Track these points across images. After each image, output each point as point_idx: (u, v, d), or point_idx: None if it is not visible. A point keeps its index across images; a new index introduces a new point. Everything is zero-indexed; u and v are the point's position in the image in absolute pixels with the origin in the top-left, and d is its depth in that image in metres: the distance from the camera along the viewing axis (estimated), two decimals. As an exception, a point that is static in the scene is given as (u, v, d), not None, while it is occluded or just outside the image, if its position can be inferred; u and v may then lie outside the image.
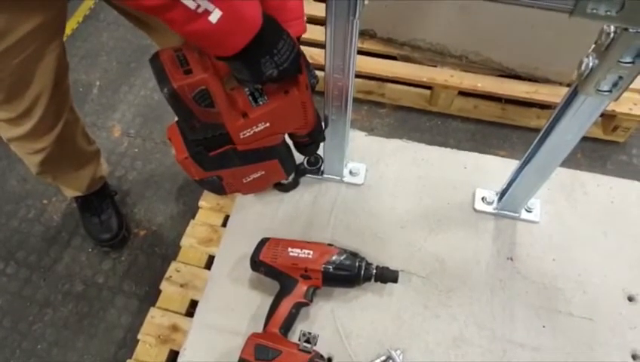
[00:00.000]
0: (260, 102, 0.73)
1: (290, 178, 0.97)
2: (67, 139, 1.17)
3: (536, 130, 0.80)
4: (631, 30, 0.55)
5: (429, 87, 1.71)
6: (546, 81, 1.61)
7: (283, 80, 0.70)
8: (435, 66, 1.68)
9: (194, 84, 0.65)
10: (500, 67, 1.63)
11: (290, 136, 0.86)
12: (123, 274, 1.40)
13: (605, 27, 0.58)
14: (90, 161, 1.32)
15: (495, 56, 1.61)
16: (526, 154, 0.83)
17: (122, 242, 1.44)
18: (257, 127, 0.75)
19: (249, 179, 0.87)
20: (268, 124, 0.75)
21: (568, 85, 1.32)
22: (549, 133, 0.75)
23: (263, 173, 0.87)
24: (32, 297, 1.37)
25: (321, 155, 0.99)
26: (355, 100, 1.69)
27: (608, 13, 0.53)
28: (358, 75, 1.70)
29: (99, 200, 1.43)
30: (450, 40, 1.63)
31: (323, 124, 0.87)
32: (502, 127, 1.68)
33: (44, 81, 0.97)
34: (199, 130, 0.72)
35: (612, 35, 0.57)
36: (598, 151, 1.65)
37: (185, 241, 1.27)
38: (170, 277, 1.22)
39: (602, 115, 1.66)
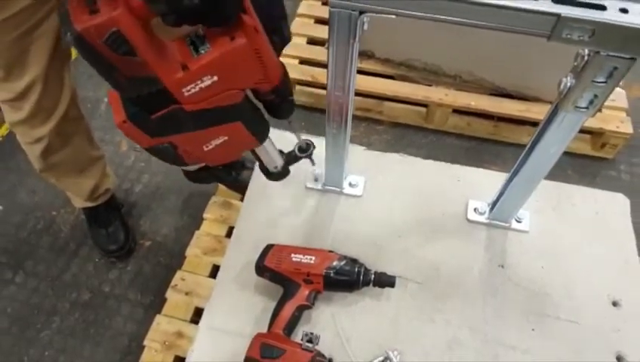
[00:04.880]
0: (202, 52, 0.61)
1: (280, 166, 0.90)
2: (67, 134, 1.22)
3: (521, 146, 0.86)
4: (602, 53, 0.61)
5: (424, 105, 1.78)
6: (537, 99, 1.69)
7: (218, 20, 0.59)
8: (431, 85, 1.76)
9: (102, 25, 0.53)
10: (493, 86, 1.70)
11: (256, 95, 0.75)
12: (129, 284, 1.44)
13: (580, 50, 0.65)
14: (93, 166, 1.36)
15: (488, 76, 1.69)
16: (514, 167, 0.89)
17: (128, 253, 1.49)
18: (202, 81, 0.64)
19: (210, 147, 0.76)
20: (216, 78, 0.64)
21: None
22: (534, 147, 0.80)
23: (226, 138, 0.75)
24: (39, 305, 1.41)
25: (312, 141, 0.94)
26: (354, 117, 1.75)
27: (581, 38, 0.60)
28: (357, 94, 1.76)
29: (106, 212, 1.48)
30: (445, 60, 1.71)
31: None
32: (495, 144, 1.75)
33: (40, 61, 1.02)
34: (127, 86, 0.62)
35: (586, 57, 0.64)
36: (588, 168, 1.71)
37: (190, 251, 1.32)
38: (176, 285, 1.26)
39: (591, 133, 1.73)
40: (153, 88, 0.62)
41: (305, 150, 0.93)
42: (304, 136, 0.94)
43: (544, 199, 1.06)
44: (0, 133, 1.76)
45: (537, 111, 1.66)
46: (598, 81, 0.65)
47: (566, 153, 1.78)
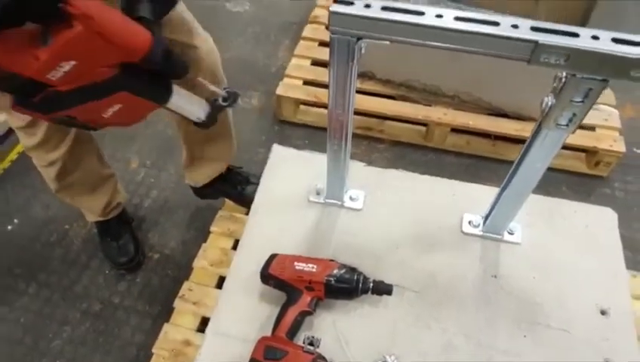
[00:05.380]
0: (49, 42, 0.65)
1: (203, 117, 0.90)
2: (79, 156, 1.28)
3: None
4: (578, 76, 0.68)
5: (424, 124, 1.84)
6: (532, 119, 1.75)
7: (36, 19, 0.64)
8: (430, 105, 1.83)
9: None
10: (490, 106, 1.77)
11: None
12: (137, 295, 1.49)
13: (558, 73, 0.71)
14: (105, 184, 1.43)
15: (485, 97, 1.75)
16: (504, 182, 0.94)
17: (137, 265, 1.55)
18: (62, 66, 0.67)
19: (109, 114, 0.79)
20: (74, 62, 0.68)
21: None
22: (521, 163, 0.86)
23: (121, 105, 0.78)
24: (51, 315, 1.46)
25: (235, 90, 0.92)
26: (356, 136, 1.83)
27: (558, 62, 0.66)
28: (359, 113, 1.84)
29: (117, 225, 1.54)
30: (444, 81, 1.78)
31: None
32: (492, 162, 1.80)
33: None
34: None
35: (563, 79, 0.70)
36: (583, 185, 1.76)
37: (197, 263, 1.38)
38: (183, 295, 1.32)
39: (586, 151, 1.79)
40: (20, 80, 0.66)
41: (227, 99, 0.92)
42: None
43: (536, 213, 1.11)
44: (16, 150, 1.83)
45: (522, 128, 1.72)
46: (576, 100, 0.71)
47: (562, 171, 1.85)
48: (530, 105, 1.71)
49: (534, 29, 0.66)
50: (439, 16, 0.68)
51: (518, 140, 1.77)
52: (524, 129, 1.74)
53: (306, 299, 0.92)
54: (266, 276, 0.95)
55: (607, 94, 1.84)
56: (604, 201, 1.70)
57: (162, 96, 0.83)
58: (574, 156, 1.80)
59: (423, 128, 1.86)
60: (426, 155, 1.86)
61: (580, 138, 1.74)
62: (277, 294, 0.96)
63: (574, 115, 0.74)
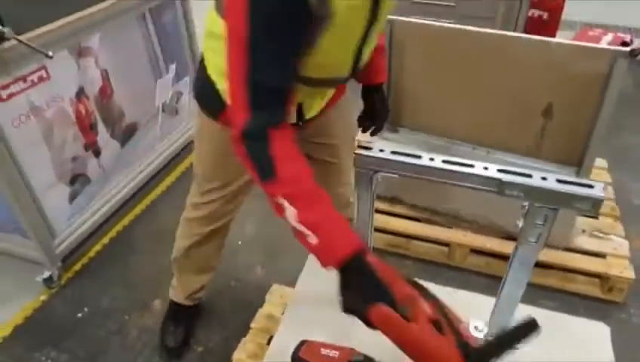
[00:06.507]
0: None
1: None
2: (215, 237, 1.52)
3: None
4: (536, 205, 0.91)
5: (446, 245, 2.05)
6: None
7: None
8: (451, 228, 2.05)
9: None
10: (503, 230, 1.97)
11: None
12: (180, 383, 1.66)
13: (522, 202, 0.95)
14: (208, 273, 1.67)
15: (498, 221, 1.97)
16: (498, 291, 1.13)
17: (177, 355, 1.72)
18: None
19: None
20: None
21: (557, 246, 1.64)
22: (508, 275, 1.06)
23: None
24: (105, 397, 1.63)
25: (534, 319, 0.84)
26: (384, 252, 2.05)
27: (519, 195, 0.90)
28: (388, 232, 2.09)
29: (183, 314, 1.75)
30: (462, 207, 2.02)
31: None
32: (510, 282, 1.95)
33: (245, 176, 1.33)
34: None
35: (527, 207, 0.93)
36: (600, 310, 1.86)
37: (236, 355, 1.56)
38: (222, 383, 1.48)
39: (599, 277, 1.91)
40: None
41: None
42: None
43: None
44: (94, 250, 2.16)
45: (543, 254, 1.89)
46: (538, 223, 0.94)
47: (580, 296, 1.96)
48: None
49: (500, 170, 0.91)
50: (431, 159, 0.96)
51: (533, 263, 1.93)
52: (537, 253, 1.91)
53: (329, 380, 1.09)
54: (297, 359, 1.13)
55: (616, 226, 2.01)
56: (621, 326, 1.79)
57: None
58: (590, 282, 1.92)
59: (446, 248, 2.06)
60: (448, 273, 2.04)
61: (592, 264, 1.88)
62: (305, 377, 1.13)
63: (540, 234, 0.96)
